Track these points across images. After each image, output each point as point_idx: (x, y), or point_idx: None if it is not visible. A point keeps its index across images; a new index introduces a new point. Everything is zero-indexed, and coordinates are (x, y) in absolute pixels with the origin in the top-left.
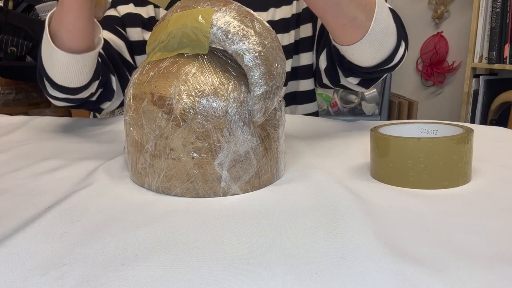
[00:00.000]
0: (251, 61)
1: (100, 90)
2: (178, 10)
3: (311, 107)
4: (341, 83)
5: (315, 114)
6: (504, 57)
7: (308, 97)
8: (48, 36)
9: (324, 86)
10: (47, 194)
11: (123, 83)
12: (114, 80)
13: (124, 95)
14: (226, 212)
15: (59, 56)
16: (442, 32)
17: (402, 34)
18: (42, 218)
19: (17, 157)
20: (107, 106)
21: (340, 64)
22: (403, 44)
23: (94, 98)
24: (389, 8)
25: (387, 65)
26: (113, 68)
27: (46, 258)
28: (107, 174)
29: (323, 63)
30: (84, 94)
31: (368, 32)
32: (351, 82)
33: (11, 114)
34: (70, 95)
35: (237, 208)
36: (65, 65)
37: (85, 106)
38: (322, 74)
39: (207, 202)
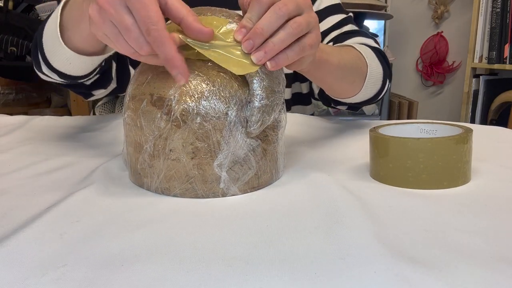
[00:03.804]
0: (256, 73)
1: (97, 76)
2: None
3: (308, 110)
4: (331, 106)
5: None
6: (504, 57)
7: (307, 99)
8: (58, 27)
9: (316, 99)
10: (47, 194)
11: (120, 71)
12: (114, 67)
13: (118, 83)
14: (225, 213)
15: (64, 51)
16: (442, 32)
17: (387, 73)
18: (42, 218)
19: (17, 157)
20: (99, 93)
21: (329, 97)
22: (387, 81)
23: (88, 83)
24: (375, 48)
25: (373, 101)
26: (116, 53)
27: (46, 258)
28: (107, 175)
29: (315, 87)
30: (79, 79)
31: (361, 90)
32: (340, 108)
33: (11, 114)
34: (65, 79)
35: (236, 208)
36: (68, 60)
37: (75, 88)
38: (314, 92)
39: (206, 203)
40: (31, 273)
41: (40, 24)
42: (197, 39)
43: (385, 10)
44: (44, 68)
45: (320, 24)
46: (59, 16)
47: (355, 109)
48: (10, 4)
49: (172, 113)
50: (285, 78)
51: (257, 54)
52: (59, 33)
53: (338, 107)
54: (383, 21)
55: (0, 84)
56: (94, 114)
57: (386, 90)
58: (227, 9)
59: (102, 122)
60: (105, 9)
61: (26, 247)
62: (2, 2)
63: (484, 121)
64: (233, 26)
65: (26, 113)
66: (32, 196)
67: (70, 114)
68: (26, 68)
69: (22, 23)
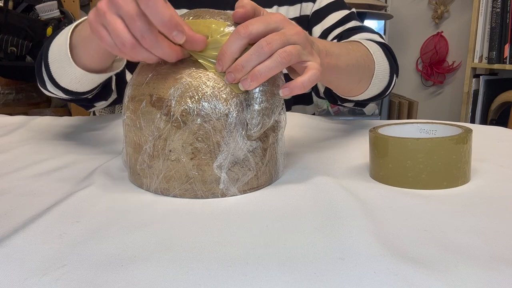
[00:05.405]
0: None
1: (99, 90)
2: (191, 18)
3: (310, 109)
4: (338, 103)
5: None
6: (504, 57)
7: (308, 99)
8: (68, 47)
9: (322, 98)
10: (47, 195)
11: (119, 82)
12: (114, 79)
13: (117, 93)
14: (225, 213)
15: (73, 70)
16: (442, 32)
17: (394, 69)
18: (42, 219)
19: (17, 157)
20: (100, 104)
21: (335, 95)
22: (394, 77)
23: (90, 96)
24: (381, 43)
25: (380, 97)
26: None
27: (46, 258)
28: (106, 175)
29: (321, 86)
30: (84, 95)
31: (368, 88)
32: (347, 105)
33: (11, 114)
34: (70, 96)
35: (235, 209)
36: (77, 78)
37: (78, 101)
38: (320, 91)
39: (205, 203)
40: (31, 273)
41: (39, 23)
42: (191, 48)
43: (385, 10)
44: (50, 86)
45: (323, 22)
46: (69, 37)
47: (362, 105)
48: (10, 4)
49: (172, 114)
50: (284, 80)
51: (244, 84)
52: (69, 53)
53: (344, 104)
54: (383, 21)
55: (0, 84)
56: (94, 114)
57: (394, 85)
58: (225, 11)
59: (102, 122)
60: (115, 2)
61: (26, 247)
62: (2, 2)
63: (484, 121)
64: (231, 28)
65: (26, 113)
66: (32, 196)
67: (70, 114)
68: (26, 68)
69: (22, 23)
